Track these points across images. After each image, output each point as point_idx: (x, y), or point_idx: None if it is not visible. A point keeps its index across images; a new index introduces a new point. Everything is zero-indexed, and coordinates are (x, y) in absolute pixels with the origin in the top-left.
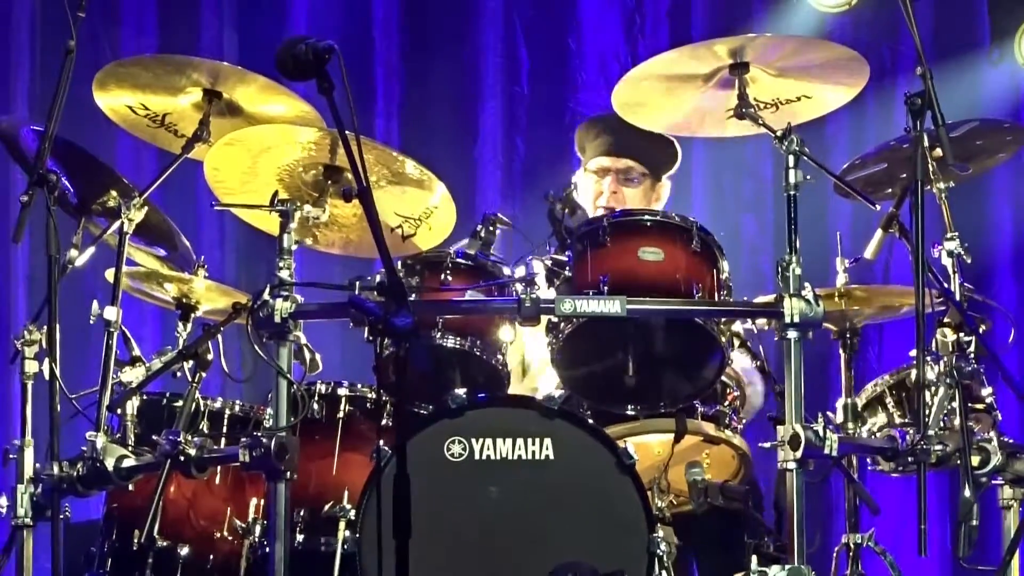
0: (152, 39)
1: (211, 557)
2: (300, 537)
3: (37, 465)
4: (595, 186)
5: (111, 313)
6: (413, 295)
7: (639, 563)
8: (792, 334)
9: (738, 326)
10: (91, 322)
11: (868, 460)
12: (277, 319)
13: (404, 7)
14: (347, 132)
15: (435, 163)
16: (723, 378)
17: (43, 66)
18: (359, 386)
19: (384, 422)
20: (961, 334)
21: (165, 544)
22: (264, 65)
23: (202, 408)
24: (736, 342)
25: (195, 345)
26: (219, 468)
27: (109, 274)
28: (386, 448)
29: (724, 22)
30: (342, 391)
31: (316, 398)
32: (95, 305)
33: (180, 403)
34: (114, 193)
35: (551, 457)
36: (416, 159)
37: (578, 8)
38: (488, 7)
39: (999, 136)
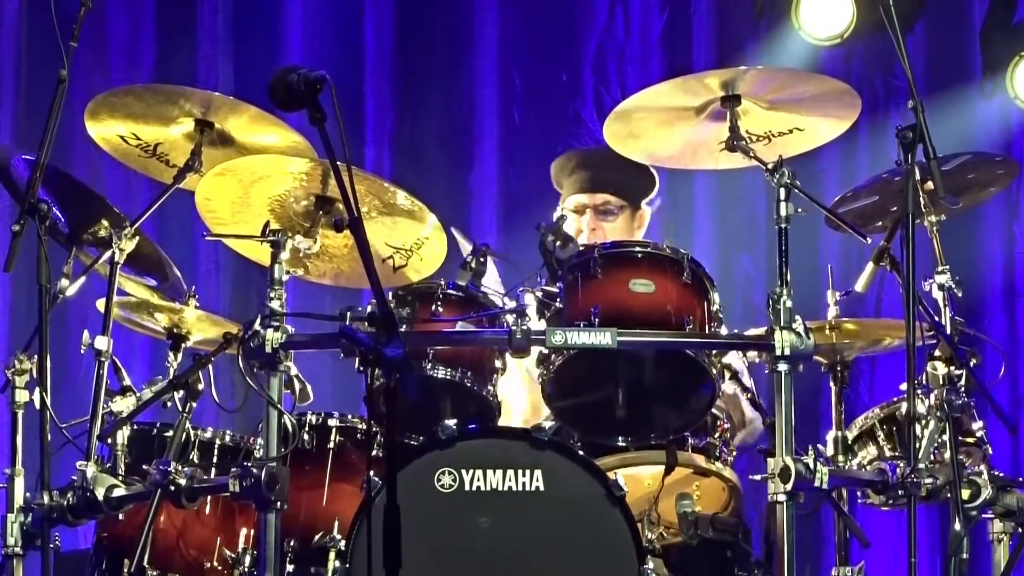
0: (147, 69)
1: None
2: (290, 567)
3: (27, 494)
4: (574, 224)
5: (102, 343)
6: (404, 326)
7: None
8: (783, 367)
9: (735, 359)
10: (82, 352)
11: (858, 493)
12: (268, 349)
13: (397, 38)
14: (339, 163)
15: (428, 194)
16: (713, 410)
17: (28, 95)
18: (350, 417)
19: (375, 453)
20: (952, 367)
21: (155, 574)
22: (258, 95)
23: (192, 438)
24: (727, 374)
25: (186, 375)
26: (209, 498)
27: (100, 304)
28: (376, 479)
29: (716, 55)
30: (332, 422)
31: (307, 428)
32: (86, 335)
33: (170, 433)
34: (105, 223)
35: (541, 488)
36: (408, 190)
37: (570, 41)
38: (482, 39)
39: (990, 169)
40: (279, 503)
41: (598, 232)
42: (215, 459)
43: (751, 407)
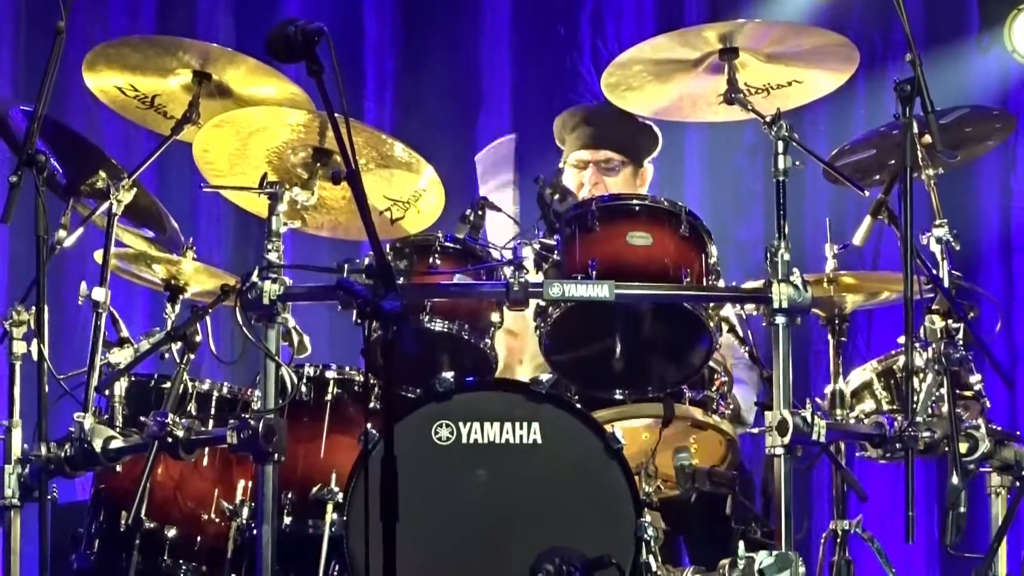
0: (148, 21)
1: (198, 539)
2: (288, 520)
3: (25, 446)
4: (576, 178)
5: (99, 294)
6: (401, 278)
7: (626, 548)
8: (780, 320)
9: (729, 312)
10: (80, 303)
11: (856, 446)
12: (265, 301)
13: None
14: (336, 115)
15: (429, 147)
16: (711, 363)
17: (27, 47)
18: (347, 369)
19: (372, 405)
20: (949, 321)
21: (152, 526)
22: (258, 47)
23: (190, 390)
24: (725, 327)
25: (183, 327)
26: (207, 450)
27: (98, 255)
28: (374, 431)
29: (713, 8)
30: (330, 374)
31: (304, 381)
32: (83, 286)
33: (168, 385)
34: (103, 174)
35: (539, 441)
36: (407, 142)
37: None
38: None
39: (988, 123)
40: (277, 455)
41: (600, 187)
42: (213, 411)
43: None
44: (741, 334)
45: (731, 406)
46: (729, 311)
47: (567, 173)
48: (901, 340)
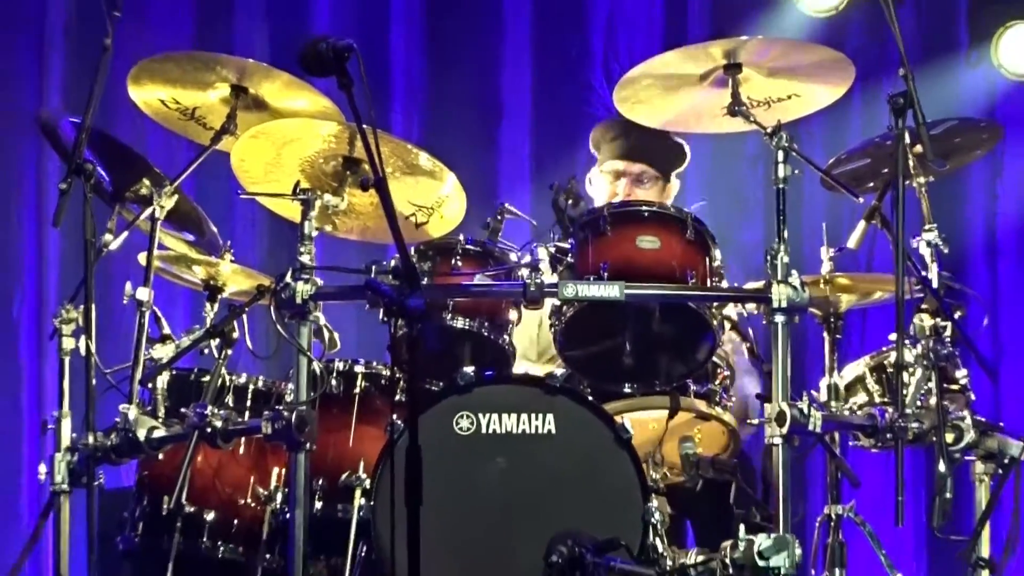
0: (187, 38)
1: (235, 522)
2: (318, 504)
3: (74, 435)
4: (610, 187)
5: (143, 294)
6: (425, 279)
7: (635, 531)
8: (779, 318)
9: (731, 311)
10: (124, 302)
11: (849, 436)
12: (298, 300)
13: (425, 2)
14: (364, 126)
15: (452, 156)
16: (714, 359)
17: (76, 63)
18: (374, 364)
19: (398, 398)
20: (938, 319)
21: (192, 510)
22: (291, 62)
23: (227, 383)
24: (727, 325)
25: (221, 324)
26: (243, 439)
27: (142, 257)
28: (399, 422)
29: (718, 25)
30: (358, 368)
31: (334, 375)
32: (128, 286)
33: (207, 378)
34: (146, 182)
35: (553, 432)
36: (431, 152)
37: (581, 7)
38: (505, 10)
39: (975, 134)
40: (308, 444)
41: (631, 197)
42: (249, 403)
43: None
44: (743, 332)
45: (735, 405)
46: (731, 310)
47: (600, 180)
48: (892, 337)
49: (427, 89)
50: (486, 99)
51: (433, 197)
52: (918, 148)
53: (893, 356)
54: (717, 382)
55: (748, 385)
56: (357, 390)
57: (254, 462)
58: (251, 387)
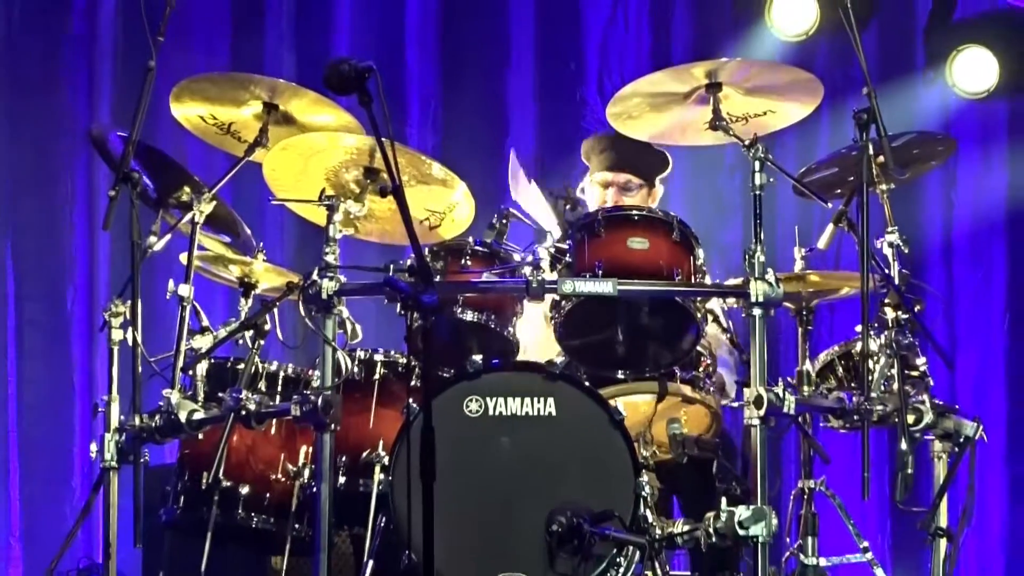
0: (223, 59)
1: (267, 495)
2: (342, 479)
3: (122, 417)
4: (600, 196)
5: (184, 290)
6: (438, 277)
7: (627, 504)
8: (757, 311)
9: (714, 305)
10: (167, 298)
11: (820, 418)
12: (324, 296)
13: (437, 27)
14: (383, 139)
15: (463, 166)
16: (698, 348)
17: (123, 82)
18: (392, 353)
19: (413, 383)
20: (899, 312)
21: (228, 484)
22: (316, 80)
23: (260, 370)
24: (710, 318)
25: (255, 317)
26: (274, 421)
27: (183, 257)
28: (415, 405)
29: (700, 48)
30: (378, 357)
31: (356, 363)
32: (171, 283)
33: (242, 366)
34: (187, 189)
35: (553, 414)
36: (443, 162)
37: (578, 32)
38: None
39: (932, 146)
40: (333, 425)
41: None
42: (279, 388)
43: (727, 370)
44: (724, 324)
45: (716, 383)
46: (714, 304)
47: (592, 190)
48: (858, 328)
49: (439, 105)
50: (493, 114)
51: (445, 203)
52: (881, 159)
53: (859, 346)
54: (701, 369)
55: (727, 372)
56: (377, 376)
57: (284, 441)
58: (281, 374)
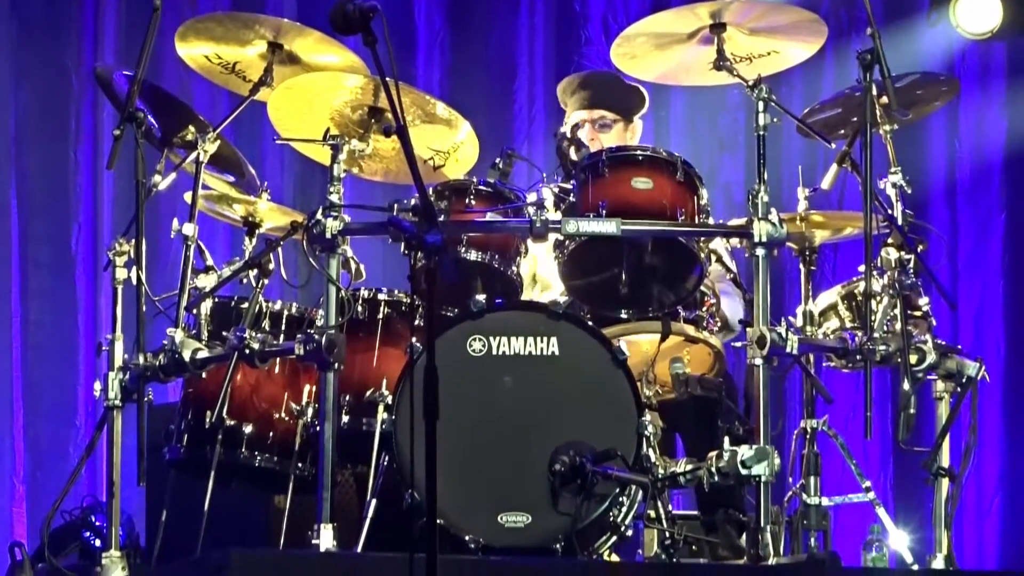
0: (226, 1)
1: (271, 434)
2: (345, 418)
3: (126, 356)
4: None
5: (189, 229)
6: (442, 216)
7: (630, 443)
8: (760, 252)
9: (717, 245)
10: (172, 237)
11: (823, 358)
12: (328, 235)
13: None
14: (387, 78)
15: (469, 107)
16: (702, 288)
17: (128, 21)
18: (396, 292)
19: (417, 322)
20: (902, 252)
21: (232, 423)
22: (321, 21)
23: (264, 309)
24: (714, 258)
25: (259, 256)
26: (278, 360)
27: (187, 196)
28: (418, 344)
29: None
30: (382, 296)
31: (360, 302)
32: (175, 222)
33: (246, 305)
34: (192, 128)
35: (556, 353)
36: (447, 102)
37: None
38: None
39: (935, 87)
40: (337, 364)
41: (596, 142)
42: (283, 327)
43: (730, 306)
44: (727, 263)
45: (719, 322)
46: (717, 244)
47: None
48: (861, 268)
49: (447, 46)
50: (501, 56)
51: (449, 143)
52: (884, 99)
53: (862, 286)
54: (704, 309)
55: (731, 303)
56: (380, 316)
57: (288, 380)
58: (285, 313)
